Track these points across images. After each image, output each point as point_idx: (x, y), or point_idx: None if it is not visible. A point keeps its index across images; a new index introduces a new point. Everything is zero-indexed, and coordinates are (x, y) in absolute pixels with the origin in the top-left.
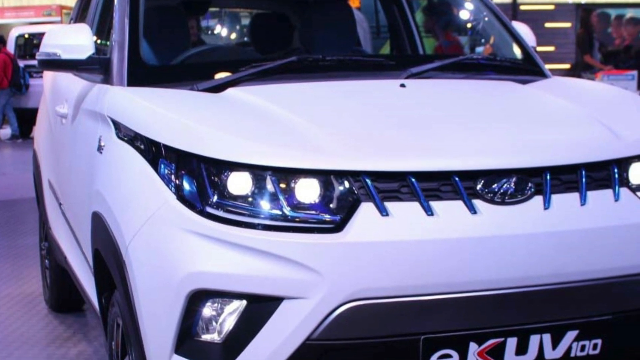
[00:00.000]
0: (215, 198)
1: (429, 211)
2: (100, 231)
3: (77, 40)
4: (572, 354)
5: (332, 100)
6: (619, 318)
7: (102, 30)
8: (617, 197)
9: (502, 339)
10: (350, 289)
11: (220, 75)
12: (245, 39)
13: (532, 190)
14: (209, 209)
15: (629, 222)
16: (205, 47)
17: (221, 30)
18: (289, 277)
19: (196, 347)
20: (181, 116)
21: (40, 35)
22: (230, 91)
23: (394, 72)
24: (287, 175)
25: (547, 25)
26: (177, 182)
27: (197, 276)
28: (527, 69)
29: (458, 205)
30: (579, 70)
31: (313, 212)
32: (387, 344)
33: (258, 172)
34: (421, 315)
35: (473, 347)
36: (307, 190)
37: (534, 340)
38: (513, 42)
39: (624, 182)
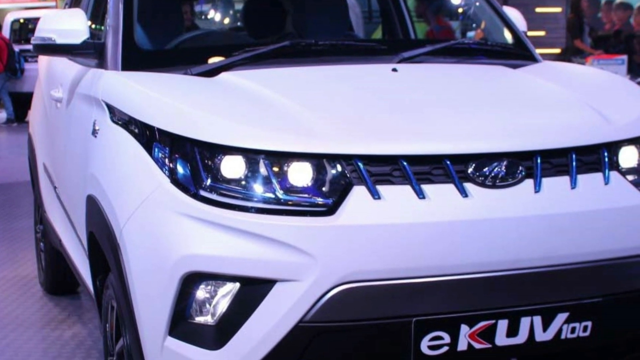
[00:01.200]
0: (208, 181)
1: (420, 194)
2: (95, 214)
3: (72, 25)
4: (563, 336)
5: (324, 84)
6: (609, 300)
7: (97, 15)
8: (607, 181)
9: (493, 321)
10: (342, 271)
11: (214, 60)
12: (239, 23)
13: (523, 173)
14: (203, 193)
15: (619, 206)
16: (199, 31)
17: (214, 15)
18: (281, 260)
19: (190, 329)
20: (175, 100)
21: (36, 20)
22: (224, 75)
23: (386, 56)
24: (280, 158)
25: (538, 10)
26: (171, 165)
27: (191, 259)
28: (517, 54)
29: (449, 188)
30: (569, 54)
31: (306, 195)
32: (379, 326)
33: (251, 155)
34: (413, 298)
35: (464, 329)
36: (300, 174)
37: (525, 322)
38: (504, 26)
39: (614, 165)
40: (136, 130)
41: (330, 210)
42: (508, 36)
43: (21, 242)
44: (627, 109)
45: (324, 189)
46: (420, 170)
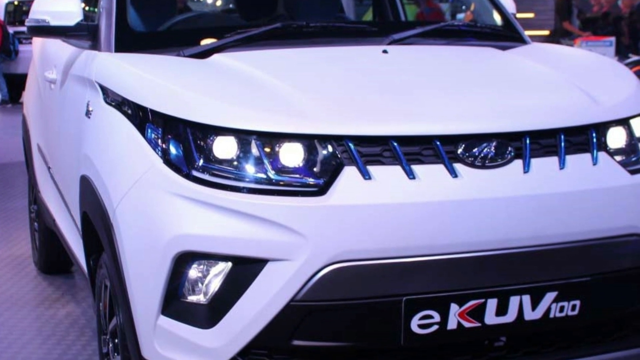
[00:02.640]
0: (201, 162)
1: (410, 175)
2: (89, 194)
3: (66, 7)
4: (551, 315)
5: (315, 65)
6: (597, 279)
7: None
8: (595, 161)
9: (483, 300)
10: (333, 251)
11: (206, 42)
12: (231, 5)
13: (512, 154)
14: (195, 173)
15: (607, 186)
16: (192, 13)
17: None
18: (273, 240)
19: (182, 308)
20: (168, 81)
21: (30, 2)
22: (216, 57)
23: (376, 38)
24: (272, 139)
25: None
26: (164, 146)
27: (184, 238)
28: (507, 36)
29: (439, 169)
30: (558, 36)
31: (297, 175)
32: (370, 305)
33: (243, 136)
34: (403, 277)
35: (454, 308)
36: (291, 154)
37: (514, 301)
38: (493, 9)
39: (602, 146)
40: (129, 111)
41: (321, 190)
42: (497, 18)
43: (15, 221)
44: (615, 90)
45: (315, 169)
46: (411, 150)
